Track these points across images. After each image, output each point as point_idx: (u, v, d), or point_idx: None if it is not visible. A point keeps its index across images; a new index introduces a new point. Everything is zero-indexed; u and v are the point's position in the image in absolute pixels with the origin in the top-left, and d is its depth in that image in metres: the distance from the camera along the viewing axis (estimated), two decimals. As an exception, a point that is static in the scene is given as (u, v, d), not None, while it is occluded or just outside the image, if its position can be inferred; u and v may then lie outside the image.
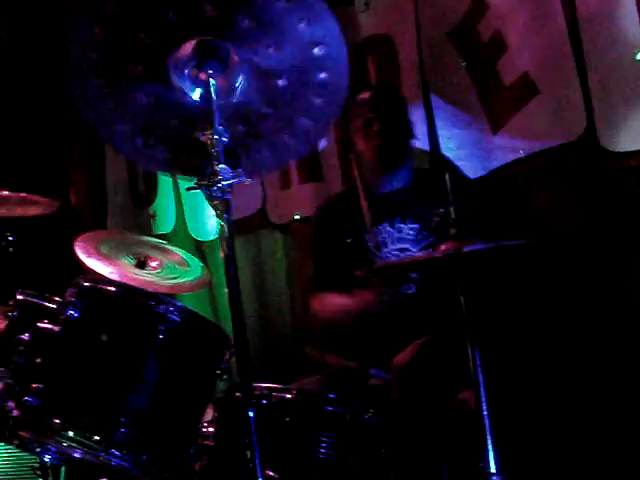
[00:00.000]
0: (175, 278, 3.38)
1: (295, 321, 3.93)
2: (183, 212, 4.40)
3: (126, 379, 2.21)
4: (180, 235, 4.37)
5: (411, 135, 3.08)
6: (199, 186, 1.98)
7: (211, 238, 4.25)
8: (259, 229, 4.06)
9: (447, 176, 2.28)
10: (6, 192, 2.95)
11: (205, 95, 2.01)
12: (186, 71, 2.02)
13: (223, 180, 1.95)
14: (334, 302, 2.97)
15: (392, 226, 3.01)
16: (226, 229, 1.99)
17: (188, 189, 2.02)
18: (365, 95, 3.06)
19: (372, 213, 3.02)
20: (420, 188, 3.01)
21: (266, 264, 4.07)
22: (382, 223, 3.02)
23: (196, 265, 3.52)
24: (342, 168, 3.69)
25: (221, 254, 1.98)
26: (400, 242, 2.99)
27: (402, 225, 3.01)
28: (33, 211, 3.09)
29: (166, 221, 4.46)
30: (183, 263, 3.52)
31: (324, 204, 3.29)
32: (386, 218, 3.02)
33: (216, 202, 1.98)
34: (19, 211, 3.06)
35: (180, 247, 3.70)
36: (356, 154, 3.08)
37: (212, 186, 1.96)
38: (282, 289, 4.01)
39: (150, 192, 4.55)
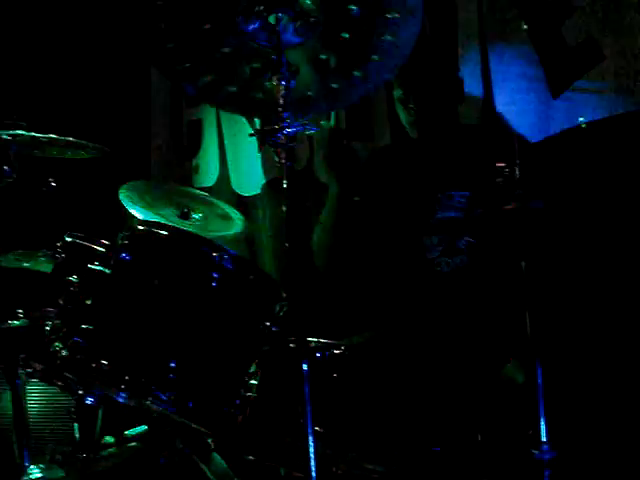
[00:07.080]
0: (217, 231, 3.37)
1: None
2: (226, 165, 4.35)
3: (176, 324, 2.19)
4: (222, 189, 4.32)
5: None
6: (263, 132, 1.93)
7: (254, 193, 4.21)
8: (305, 187, 3.99)
9: (515, 134, 2.21)
10: (54, 135, 2.93)
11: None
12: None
13: (289, 127, 1.90)
14: None
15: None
16: (288, 178, 1.94)
17: (251, 135, 1.97)
18: None
19: None
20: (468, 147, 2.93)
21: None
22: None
23: (238, 219, 3.50)
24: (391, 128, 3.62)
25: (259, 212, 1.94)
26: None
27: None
28: (81, 155, 3.07)
29: (209, 174, 4.42)
30: (225, 216, 3.50)
31: None
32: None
33: (279, 150, 1.93)
34: (69, 153, 3.04)
35: (222, 200, 3.67)
36: None
37: (277, 133, 1.91)
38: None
39: (193, 144, 4.50)
